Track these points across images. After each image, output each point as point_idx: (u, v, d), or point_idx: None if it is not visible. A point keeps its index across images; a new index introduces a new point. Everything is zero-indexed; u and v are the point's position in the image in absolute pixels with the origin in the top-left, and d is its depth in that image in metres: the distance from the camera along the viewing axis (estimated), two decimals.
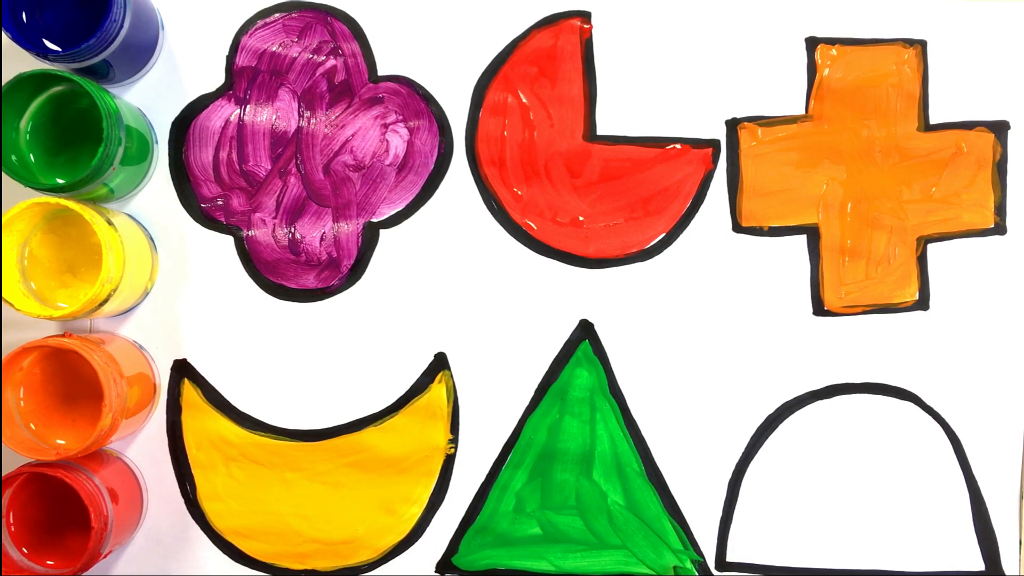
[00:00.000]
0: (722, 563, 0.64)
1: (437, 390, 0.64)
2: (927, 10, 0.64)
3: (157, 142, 0.63)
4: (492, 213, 0.64)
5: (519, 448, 0.64)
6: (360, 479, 0.63)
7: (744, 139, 0.64)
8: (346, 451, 0.63)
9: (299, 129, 0.63)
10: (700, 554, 0.64)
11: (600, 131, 0.64)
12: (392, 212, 0.64)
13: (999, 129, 0.64)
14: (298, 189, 0.63)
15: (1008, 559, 0.64)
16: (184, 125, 0.63)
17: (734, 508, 0.64)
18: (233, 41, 0.63)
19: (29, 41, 0.57)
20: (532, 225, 0.64)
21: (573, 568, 0.63)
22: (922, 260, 0.64)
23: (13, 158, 0.57)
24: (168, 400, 0.63)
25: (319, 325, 0.63)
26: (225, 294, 0.63)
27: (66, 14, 0.58)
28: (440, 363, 0.64)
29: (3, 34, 0.59)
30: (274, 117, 0.63)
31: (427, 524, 0.64)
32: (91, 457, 0.59)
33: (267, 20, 0.63)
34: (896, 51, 0.64)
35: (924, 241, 0.64)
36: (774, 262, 0.64)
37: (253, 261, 0.63)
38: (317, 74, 0.63)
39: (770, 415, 0.64)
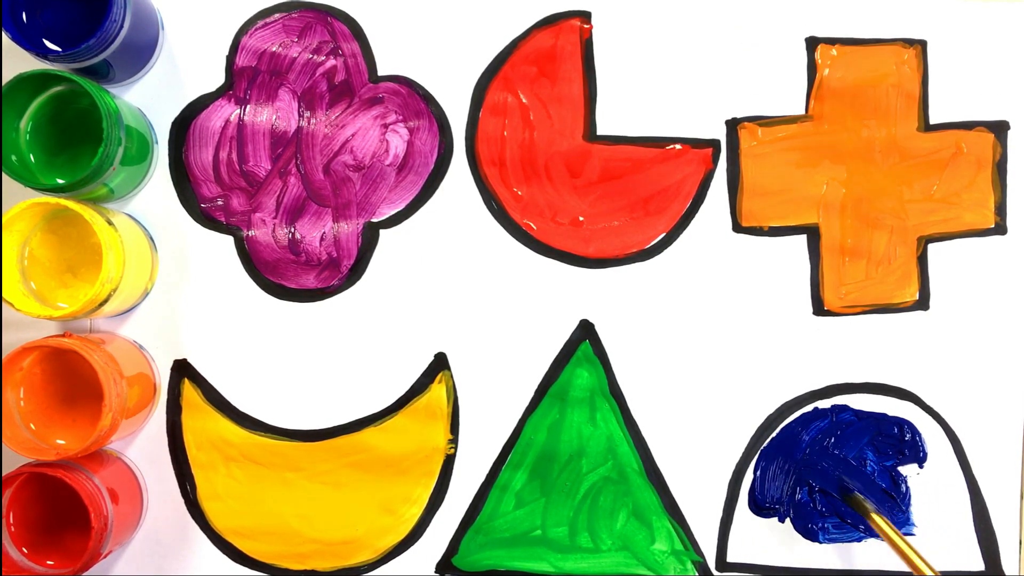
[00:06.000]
0: (722, 563, 0.64)
1: (437, 390, 0.64)
2: (927, 10, 0.64)
3: (157, 142, 0.63)
4: (492, 213, 0.64)
5: (519, 448, 0.64)
6: (360, 479, 0.63)
7: (744, 139, 0.64)
8: (346, 451, 0.63)
9: (299, 129, 0.63)
10: (700, 554, 0.64)
11: (600, 131, 0.64)
12: (392, 212, 0.64)
13: (999, 129, 0.64)
14: (298, 189, 0.63)
15: (1008, 559, 0.64)
16: (184, 125, 0.63)
17: (734, 508, 0.64)
18: (233, 41, 0.63)
19: (29, 41, 0.57)
20: (532, 225, 0.64)
21: (573, 569, 0.63)
22: (922, 260, 0.64)
23: (13, 158, 0.57)
24: (168, 400, 0.63)
25: (319, 325, 0.63)
26: (225, 294, 0.63)
27: (66, 14, 0.58)
28: (440, 363, 0.64)
29: (3, 34, 0.59)
30: (274, 117, 0.63)
31: (427, 524, 0.64)
32: (91, 457, 0.59)
33: (267, 20, 0.63)
34: (896, 51, 0.64)
35: (924, 241, 0.64)
36: (774, 262, 0.64)
37: (253, 261, 0.63)
38: (317, 74, 0.63)
39: (770, 415, 0.64)
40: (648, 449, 0.64)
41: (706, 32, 0.64)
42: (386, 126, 0.64)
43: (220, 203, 0.63)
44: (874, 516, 0.60)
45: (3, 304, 0.59)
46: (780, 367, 0.64)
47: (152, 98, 0.63)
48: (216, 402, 0.63)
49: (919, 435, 0.63)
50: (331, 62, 0.63)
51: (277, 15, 0.63)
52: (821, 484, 0.63)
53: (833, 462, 0.63)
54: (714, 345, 0.64)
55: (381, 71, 0.64)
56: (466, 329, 0.64)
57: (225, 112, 0.63)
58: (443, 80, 0.64)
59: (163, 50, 0.63)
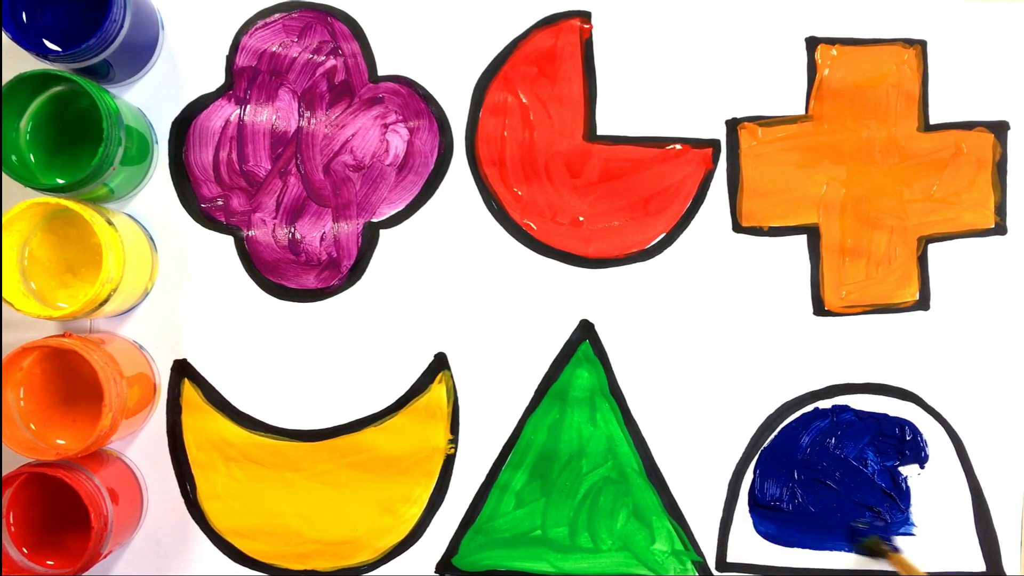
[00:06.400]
0: (722, 563, 0.64)
1: (437, 390, 0.64)
2: (927, 10, 0.64)
3: (157, 142, 0.63)
4: (492, 213, 0.64)
5: (519, 448, 0.63)
6: (360, 479, 0.63)
7: (744, 139, 0.64)
8: (346, 451, 0.63)
9: (299, 129, 0.63)
10: (700, 554, 0.64)
11: (600, 131, 0.64)
12: (392, 212, 0.64)
13: (999, 129, 0.64)
14: (298, 189, 0.63)
15: (1009, 559, 0.63)
16: (184, 125, 0.63)
17: (734, 508, 0.64)
18: (233, 41, 0.63)
19: (29, 41, 0.57)
20: (532, 225, 0.64)
21: (573, 569, 0.63)
22: (922, 260, 0.64)
23: (13, 158, 0.57)
24: (168, 400, 0.63)
25: (319, 325, 0.63)
26: (225, 294, 0.63)
27: (66, 14, 0.58)
28: (440, 363, 0.64)
29: (3, 34, 0.59)
30: (274, 117, 0.63)
31: (427, 524, 0.63)
32: (91, 457, 0.59)
33: (267, 20, 0.63)
34: (896, 51, 0.64)
35: (924, 241, 0.64)
36: (774, 262, 0.64)
37: (253, 261, 0.63)
38: (317, 74, 0.63)
39: (770, 415, 0.64)
40: (648, 449, 0.64)
41: (706, 32, 0.64)
42: (386, 126, 0.64)
43: (220, 203, 0.63)
44: (893, 556, 0.59)
45: (3, 304, 0.59)
46: (780, 367, 0.64)
47: (152, 98, 0.63)
48: (216, 402, 0.63)
49: (920, 435, 0.63)
50: (331, 62, 0.63)
51: (277, 15, 0.63)
52: (821, 481, 0.63)
53: (833, 462, 0.63)
54: (714, 345, 0.64)
55: (381, 71, 0.64)
56: (466, 329, 0.64)
57: (225, 112, 0.63)
58: (443, 80, 0.64)
59: (163, 50, 0.63)
